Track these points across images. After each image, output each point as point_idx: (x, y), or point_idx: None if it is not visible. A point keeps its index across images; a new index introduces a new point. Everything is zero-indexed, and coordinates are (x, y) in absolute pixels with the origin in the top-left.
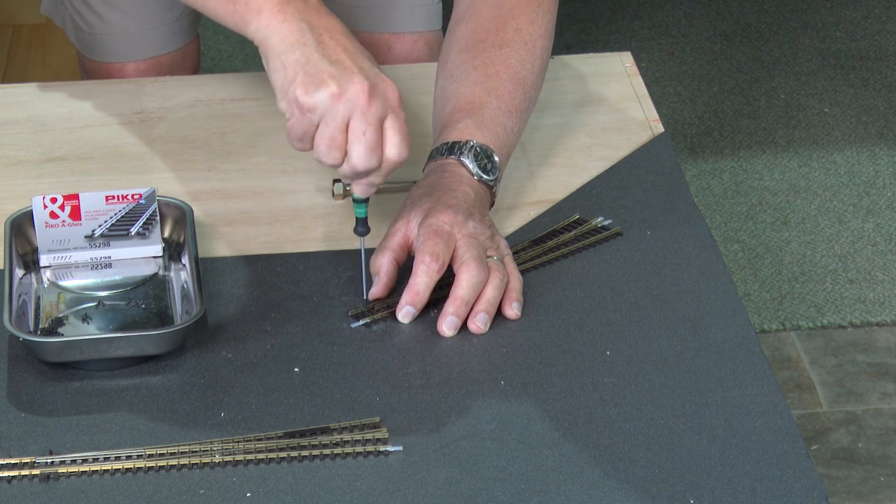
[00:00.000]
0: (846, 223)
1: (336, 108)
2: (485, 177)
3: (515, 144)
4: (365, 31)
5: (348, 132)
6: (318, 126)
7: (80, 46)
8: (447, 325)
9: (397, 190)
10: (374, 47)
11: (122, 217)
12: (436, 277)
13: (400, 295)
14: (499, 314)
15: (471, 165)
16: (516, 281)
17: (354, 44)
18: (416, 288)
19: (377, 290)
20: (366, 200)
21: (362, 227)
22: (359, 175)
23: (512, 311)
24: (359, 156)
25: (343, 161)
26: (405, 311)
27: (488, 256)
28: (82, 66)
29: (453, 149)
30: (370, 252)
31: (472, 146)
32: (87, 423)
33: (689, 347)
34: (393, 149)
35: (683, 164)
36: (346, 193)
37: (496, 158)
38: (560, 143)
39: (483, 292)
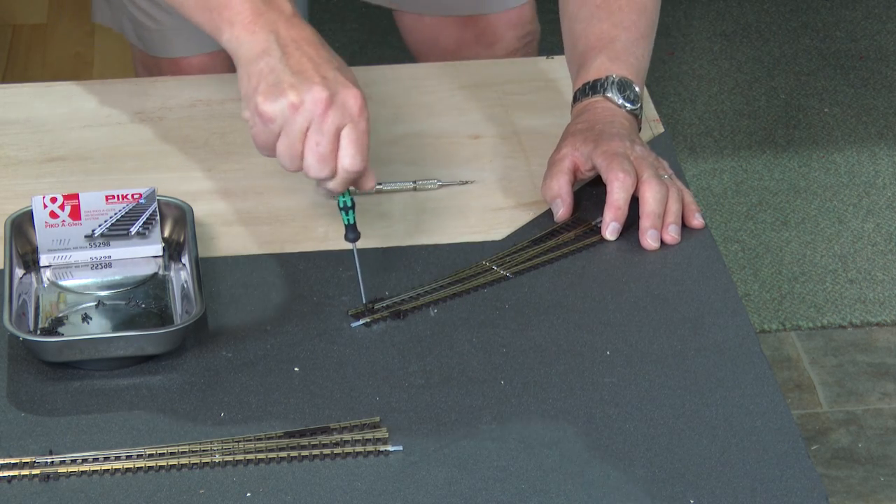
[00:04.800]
0: (846, 223)
1: (294, 118)
2: (630, 106)
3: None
4: (466, 14)
5: (304, 141)
6: (279, 135)
7: (143, 45)
8: (650, 237)
9: (397, 190)
10: (477, 27)
11: (122, 217)
12: (630, 191)
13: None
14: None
15: (617, 99)
16: (689, 195)
17: (322, 54)
18: (617, 203)
19: (564, 211)
20: (352, 207)
21: (352, 233)
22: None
23: (696, 220)
24: (310, 165)
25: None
26: (612, 228)
27: (660, 175)
28: (143, 65)
29: (595, 87)
30: (364, 254)
31: (613, 80)
32: (87, 423)
33: (689, 347)
34: (346, 159)
35: (683, 164)
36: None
37: (636, 87)
38: None
39: (668, 206)
